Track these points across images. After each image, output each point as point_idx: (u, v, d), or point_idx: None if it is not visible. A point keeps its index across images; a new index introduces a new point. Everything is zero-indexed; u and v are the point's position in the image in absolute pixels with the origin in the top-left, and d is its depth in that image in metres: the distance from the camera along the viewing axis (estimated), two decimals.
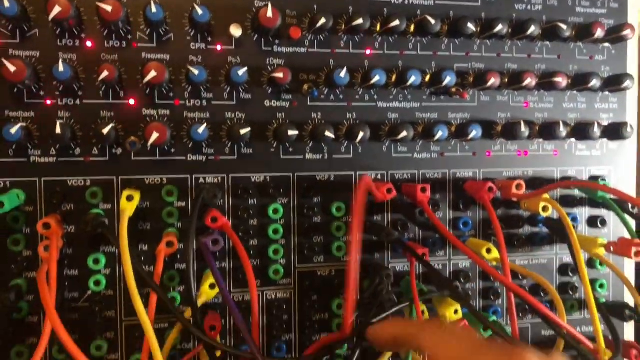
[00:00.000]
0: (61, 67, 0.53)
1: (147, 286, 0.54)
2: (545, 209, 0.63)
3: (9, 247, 0.57)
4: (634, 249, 0.61)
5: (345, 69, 0.60)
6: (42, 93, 0.57)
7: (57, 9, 0.53)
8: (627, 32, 0.67)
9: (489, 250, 0.62)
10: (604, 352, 0.57)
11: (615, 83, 0.68)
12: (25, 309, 0.57)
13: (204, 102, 0.61)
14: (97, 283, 0.58)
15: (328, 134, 0.60)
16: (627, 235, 0.66)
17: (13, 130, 0.53)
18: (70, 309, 0.58)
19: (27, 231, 0.57)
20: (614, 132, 0.69)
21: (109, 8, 0.54)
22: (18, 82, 0.53)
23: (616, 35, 0.68)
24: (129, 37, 0.59)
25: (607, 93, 0.72)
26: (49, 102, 0.57)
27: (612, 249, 0.64)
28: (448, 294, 0.59)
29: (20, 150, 0.57)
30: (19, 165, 0.57)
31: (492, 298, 0.69)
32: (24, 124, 0.55)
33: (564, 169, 0.71)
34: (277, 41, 0.62)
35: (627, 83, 0.67)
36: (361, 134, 0.61)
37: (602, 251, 0.65)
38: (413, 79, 0.62)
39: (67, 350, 0.46)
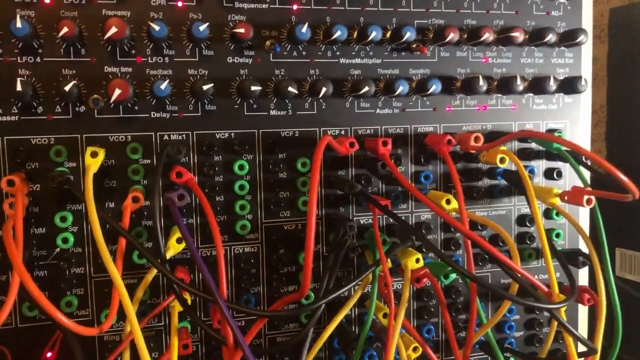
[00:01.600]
0: (19, 23, 0.53)
1: (115, 241, 0.55)
2: (502, 160, 0.66)
3: None
4: (585, 197, 0.63)
5: (306, 24, 0.61)
6: (0, 50, 0.56)
7: None
8: None
9: (448, 201, 0.64)
10: (557, 295, 0.60)
11: (570, 38, 0.70)
12: None
13: (166, 59, 0.61)
14: (65, 240, 0.59)
15: (291, 89, 0.61)
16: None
17: None
18: (38, 267, 0.59)
19: None
20: (570, 86, 0.71)
21: None
22: None
23: None
24: None
25: (562, 48, 0.74)
26: (7, 59, 0.56)
27: (566, 198, 0.66)
28: (412, 241, 0.61)
29: None
30: None
31: (452, 248, 0.71)
32: None
33: (522, 123, 0.73)
34: None
35: (581, 37, 0.69)
36: (324, 89, 0.62)
37: (557, 201, 0.68)
38: (374, 34, 0.63)
39: (37, 303, 0.46)
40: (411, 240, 0.63)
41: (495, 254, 0.57)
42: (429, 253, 0.69)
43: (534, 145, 0.73)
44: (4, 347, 0.59)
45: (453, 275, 0.65)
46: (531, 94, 0.73)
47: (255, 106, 0.64)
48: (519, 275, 0.58)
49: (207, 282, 0.50)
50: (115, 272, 0.49)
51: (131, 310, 0.48)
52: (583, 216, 0.76)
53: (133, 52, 0.60)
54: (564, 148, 0.68)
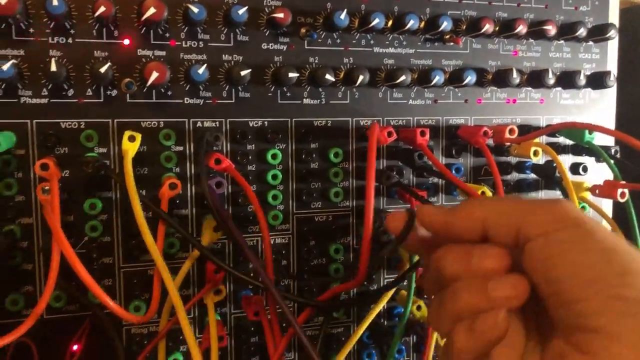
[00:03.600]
0: (55, 1, 0.51)
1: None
2: (536, 153, 0.65)
3: (1, 192, 0.54)
4: (619, 190, 0.63)
5: (345, 11, 0.60)
6: (31, 30, 0.54)
7: None
8: None
9: (483, 193, 0.63)
10: None
11: (599, 33, 0.70)
12: (19, 256, 0.55)
13: (201, 44, 0.59)
14: (94, 228, 0.56)
15: (328, 76, 0.60)
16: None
17: (5, 67, 0.50)
18: None
19: (19, 175, 0.55)
20: (598, 81, 0.71)
21: None
22: (9, 16, 0.50)
23: None
24: None
25: (590, 43, 0.74)
26: (39, 39, 0.54)
27: (597, 191, 0.66)
28: None
29: (9, 91, 0.54)
30: (9, 106, 0.54)
31: None
32: (15, 61, 0.52)
33: (549, 117, 0.73)
34: None
35: (611, 32, 0.70)
36: (360, 77, 0.61)
37: (587, 194, 0.68)
38: (411, 22, 0.62)
39: (83, 280, 0.45)
40: None
41: None
42: None
43: (561, 139, 0.73)
44: (28, 340, 0.56)
45: None
46: (559, 89, 0.73)
47: (288, 94, 0.63)
48: None
49: (257, 268, 0.49)
50: (160, 258, 0.47)
51: (177, 297, 0.47)
52: (606, 210, 0.76)
53: (167, 35, 0.58)
54: (594, 141, 0.68)
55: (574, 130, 0.70)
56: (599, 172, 0.74)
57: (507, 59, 0.70)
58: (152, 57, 0.58)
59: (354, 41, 0.64)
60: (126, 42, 0.57)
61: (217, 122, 0.60)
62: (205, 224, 0.57)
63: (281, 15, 0.58)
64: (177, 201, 0.59)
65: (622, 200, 0.64)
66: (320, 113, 0.64)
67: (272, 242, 0.63)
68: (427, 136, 0.61)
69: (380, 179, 0.62)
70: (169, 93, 0.59)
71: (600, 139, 0.73)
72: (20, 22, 0.53)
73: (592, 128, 0.60)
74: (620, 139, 0.56)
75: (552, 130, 0.65)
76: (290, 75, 0.59)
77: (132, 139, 0.52)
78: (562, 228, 0.32)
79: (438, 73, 0.63)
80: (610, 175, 0.68)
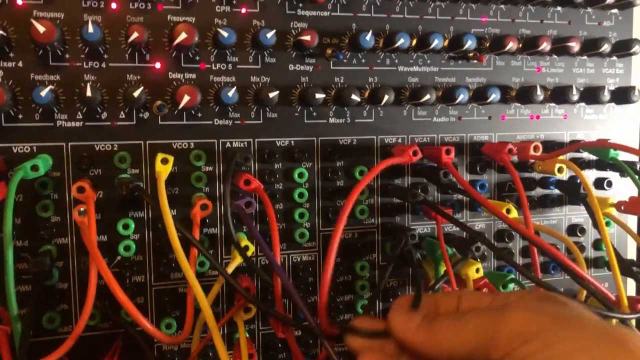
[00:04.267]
0: (91, 29, 0.52)
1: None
2: (560, 169, 0.66)
3: (38, 213, 0.56)
4: None
5: (370, 32, 0.61)
6: (67, 56, 0.56)
7: None
8: None
9: (508, 211, 0.64)
10: (626, 306, 0.59)
11: (623, 48, 0.70)
12: (56, 275, 0.56)
13: (230, 66, 0.60)
14: (127, 248, 0.58)
15: (354, 97, 0.61)
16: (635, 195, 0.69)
17: (43, 93, 0.52)
18: (99, 275, 0.58)
19: (55, 197, 0.56)
20: (621, 96, 0.71)
21: None
22: (47, 44, 0.52)
23: (625, 1, 0.70)
24: None
25: (614, 58, 0.74)
26: (74, 64, 0.56)
27: (622, 207, 0.66)
28: (472, 252, 0.61)
29: (46, 115, 0.56)
30: (45, 129, 0.56)
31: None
32: (53, 87, 0.53)
33: (572, 132, 0.73)
34: (300, 4, 0.62)
35: (635, 48, 0.70)
36: (386, 97, 0.62)
37: (612, 210, 0.68)
38: (436, 42, 0.62)
39: (119, 301, 0.46)
40: (471, 252, 0.62)
41: (565, 261, 0.56)
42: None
43: (585, 154, 0.73)
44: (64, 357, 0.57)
45: (512, 285, 0.65)
46: (583, 104, 0.73)
47: (314, 114, 0.64)
48: (589, 284, 0.58)
49: (289, 289, 0.50)
50: (194, 280, 0.48)
51: (212, 318, 0.48)
52: (631, 226, 0.76)
53: (197, 58, 0.59)
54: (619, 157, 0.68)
55: (597, 150, 0.70)
56: (624, 187, 0.74)
57: (530, 75, 0.71)
58: (183, 79, 0.59)
59: (378, 60, 0.65)
60: (157, 65, 0.58)
61: (246, 142, 0.62)
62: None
63: (308, 37, 0.59)
64: (207, 220, 0.61)
65: None
66: (345, 131, 0.65)
67: (298, 259, 0.64)
68: (453, 154, 0.62)
69: (406, 197, 0.63)
70: (199, 114, 0.60)
71: (625, 154, 0.74)
72: (57, 48, 0.54)
73: (620, 148, 0.60)
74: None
75: (579, 147, 0.65)
76: (317, 96, 0.60)
77: (165, 161, 0.53)
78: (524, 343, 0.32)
79: (462, 91, 0.64)
80: (635, 191, 0.68)
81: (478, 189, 0.69)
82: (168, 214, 0.49)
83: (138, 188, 0.53)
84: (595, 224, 0.65)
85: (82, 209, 0.51)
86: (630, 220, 0.77)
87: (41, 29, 0.51)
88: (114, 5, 0.56)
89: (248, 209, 0.57)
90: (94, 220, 0.50)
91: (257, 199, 0.61)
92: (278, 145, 0.63)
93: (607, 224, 0.74)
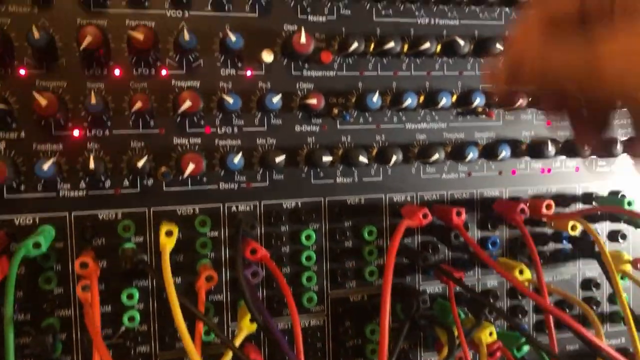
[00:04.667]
0: (93, 100, 0.52)
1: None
2: (573, 227, 0.64)
3: (40, 286, 0.54)
4: None
5: (377, 92, 0.60)
6: (70, 124, 0.55)
7: (88, 39, 0.51)
8: None
9: (521, 272, 0.62)
10: None
11: None
12: (59, 349, 0.55)
13: (235, 129, 0.60)
14: (132, 319, 0.56)
15: (362, 158, 0.60)
16: None
17: (45, 167, 0.51)
18: None
19: (58, 268, 0.55)
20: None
21: (140, 36, 0.52)
22: (49, 117, 0.51)
23: None
24: (158, 63, 0.57)
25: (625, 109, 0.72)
26: (77, 133, 0.55)
27: (639, 265, 0.64)
28: (485, 315, 0.60)
29: (49, 185, 0.55)
30: (48, 200, 0.55)
31: (519, 316, 0.69)
32: (56, 159, 0.52)
33: (585, 185, 0.72)
34: (306, 65, 0.61)
35: None
36: (394, 157, 0.61)
37: (628, 267, 0.66)
38: (444, 101, 0.61)
39: None
40: (484, 315, 0.61)
41: (581, 331, 0.54)
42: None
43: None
44: None
45: (526, 348, 0.63)
46: (594, 156, 0.72)
47: (321, 174, 0.63)
48: (606, 354, 0.56)
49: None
50: (196, 357, 0.46)
51: None
52: None
53: (202, 122, 0.58)
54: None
55: (612, 201, 0.69)
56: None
57: (540, 129, 0.70)
58: (188, 144, 0.58)
59: (385, 118, 0.64)
60: (162, 131, 0.57)
61: (252, 205, 0.61)
62: (240, 312, 0.57)
63: (314, 101, 0.58)
64: (212, 287, 0.59)
65: None
66: (353, 191, 0.64)
67: (307, 324, 0.63)
68: (464, 216, 0.60)
69: (417, 260, 0.61)
70: (204, 179, 0.59)
71: (637, 207, 0.72)
72: (59, 118, 0.54)
73: (630, 214, 0.59)
74: None
75: (592, 212, 0.64)
76: (324, 159, 0.59)
77: (169, 233, 0.52)
78: None
79: (472, 149, 0.63)
80: None
81: (490, 246, 0.68)
82: (172, 291, 0.48)
83: (142, 262, 0.52)
84: (611, 281, 0.63)
85: (85, 285, 0.50)
86: None
87: (43, 102, 0.50)
88: (117, 72, 0.56)
89: (254, 278, 0.55)
90: (97, 298, 0.49)
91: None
92: (285, 207, 0.62)
93: (623, 277, 0.73)
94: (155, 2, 0.57)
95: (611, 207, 0.67)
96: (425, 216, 0.59)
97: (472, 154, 0.63)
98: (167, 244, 0.52)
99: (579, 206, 0.72)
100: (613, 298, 0.74)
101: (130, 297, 0.56)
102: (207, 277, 0.54)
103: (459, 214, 0.60)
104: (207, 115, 0.59)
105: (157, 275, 0.52)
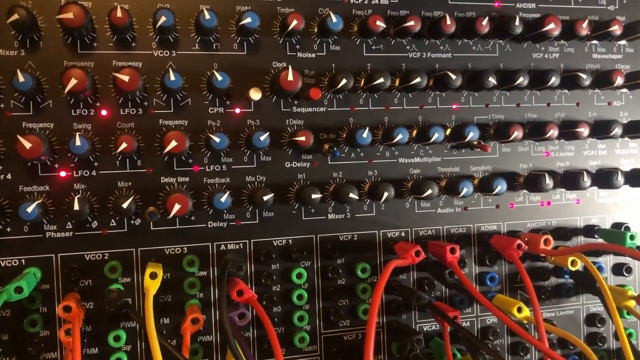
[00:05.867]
0: (78, 142, 0.51)
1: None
2: (573, 263, 0.62)
3: (26, 329, 0.54)
4: None
5: (367, 129, 0.59)
6: (56, 165, 0.55)
7: (73, 82, 0.51)
8: None
9: (519, 309, 0.60)
10: None
11: (635, 130, 0.67)
12: None
13: (224, 167, 0.59)
14: None
15: (352, 195, 0.59)
16: None
17: (29, 209, 0.50)
18: None
19: (44, 310, 0.55)
20: (636, 178, 0.67)
21: (126, 78, 0.52)
22: (34, 159, 0.51)
23: (635, 82, 0.67)
24: (145, 103, 0.57)
25: (627, 139, 0.71)
26: (63, 174, 0.55)
27: None
28: (483, 356, 0.57)
29: (35, 227, 0.54)
30: (34, 241, 0.55)
31: (521, 354, 0.67)
32: (40, 201, 0.52)
33: (586, 217, 0.70)
34: (296, 101, 0.61)
35: None
36: (385, 194, 0.59)
37: (632, 303, 0.64)
38: (436, 136, 0.60)
39: None
40: (482, 356, 0.59)
41: None
42: None
43: (601, 240, 0.70)
44: None
45: None
46: (596, 187, 0.70)
47: (313, 210, 0.62)
48: None
49: None
50: None
51: None
52: None
53: (190, 161, 0.58)
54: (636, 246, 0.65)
55: (614, 234, 0.67)
56: None
57: (538, 161, 0.68)
58: (175, 183, 0.58)
59: (378, 153, 0.63)
60: (149, 170, 0.57)
61: (241, 244, 0.60)
62: (228, 353, 0.56)
63: (303, 138, 0.57)
64: (201, 328, 0.58)
65: None
66: (345, 227, 0.63)
67: None
68: (458, 253, 0.59)
69: (410, 300, 0.60)
70: (193, 218, 0.58)
71: None
72: (46, 160, 0.54)
73: (630, 254, 0.57)
74: None
75: (591, 249, 0.62)
76: (314, 196, 0.58)
77: (153, 275, 0.51)
78: None
79: (466, 184, 0.61)
80: None
81: (488, 282, 0.66)
82: (153, 335, 0.47)
83: (126, 305, 0.51)
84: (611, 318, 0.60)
85: (67, 329, 0.49)
86: None
87: (27, 145, 0.50)
88: (104, 113, 0.56)
89: (242, 320, 0.54)
90: (79, 343, 0.48)
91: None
92: (275, 244, 0.61)
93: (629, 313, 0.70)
94: (143, 43, 0.57)
95: (608, 245, 0.65)
96: (417, 254, 0.58)
97: (467, 189, 0.61)
98: (151, 286, 0.51)
99: (581, 239, 0.70)
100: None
101: (117, 339, 0.55)
102: (193, 320, 0.53)
103: (452, 251, 0.59)
104: (195, 154, 0.58)
105: (139, 319, 0.51)
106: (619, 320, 0.57)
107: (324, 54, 0.61)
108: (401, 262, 0.56)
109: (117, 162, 0.56)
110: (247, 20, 0.56)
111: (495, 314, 0.55)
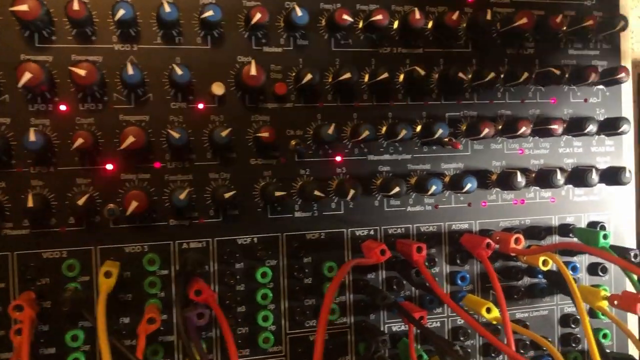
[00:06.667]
0: (32, 137, 0.50)
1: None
2: (545, 262, 0.61)
3: None
4: (639, 304, 0.58)
5: (333, 125, 0.58)
6: (13, 162, 0.54)
7: (27, 76, 0.50)
8: (621, 75, 0.65)
9: (488, 310, 0.59)
10: None
11: (611, 127, 0.66)
12: None
13: (186, 164, 0.58)
14: None
15: (317, 193, 0.57)
16: (629, 284, 0.64)
17: None
18: None
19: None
20: (612, 177, 0.66)
21: (82, 72, 0.51)
22: None
23: (611, 78, 0.66)
24: (105, 98, 0.56)
25: (603, 136, 0.69)
26: (20, 170, 0.54)
27: (615, 302, 0.61)
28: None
29: None
30: None
31: (492, 355, 0.66)
32: None
33: (562, 216, 0.69)
34: (261, 97, 0.59)
35: (623, 127, 0.65)
36: (352, 192, 0.58)
37: (605, 304, 0.63)
38: (404, 132, 0.59)
39: None
40: (449, 356, 0.57)
41: None
42: None
43: (576, 239, 0.68)
44: None
45: None
46: (571, 186, 0.68)
47: (279, 208, 0.60)
48: None
49: None
50: None
51: None
52: (632, 319, 0.71)
53: (151, 157, 0.57)
54: (609, 245, 0.64)
55: (588, 233, 0.65)
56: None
57: (512, 159, 0.67)
58: (136, 180, 0.56)
59: (346, 150, 0.62)
60: (109, 167, 0.56)
61: (204, 243, 0.59)
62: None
63: (266, 134, 0.56)
64: (162, 328, 0.57)
65: None
66: (313, 226, 0.62)
67: None
68: (424, 252, 0.58)
69: (375, 299, 0.59)
70: (154, 215, 0.57)
71: (618, 239, 0.69)
72: (1, 155, 0.52)
73: (596, 254, 0.55)
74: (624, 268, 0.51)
75: (557, 248, 0.61)
76: (277, 194, 0.57)
77: (108, 274, 0.50)
78: None
79: (435, 182, 0.60)
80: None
81: (459, 281, 0.65)
82: (103, 336, 0.46)
83: (79, 304, 0.50)
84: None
85: (18, 329, 0.48)
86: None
87: None
88: (63, 108, 0.55)
89: (201, 319, 0.53)
90: (27, 346, 0.47)
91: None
92: (239, 243, 0.60)
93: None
94: (103, 37, 0.55)
95: (576, 245, 0.63)
96: (383, 252, 0.57)
97: (436, 187, 0.60)
98: (105, 285, 0.50)
99: (556, 238, 0.69)
100: (595, 335, 0.70)
101: (74, 338, 0.54)
102: (149, 320, 0.52)
103: (419, 249, 0.58)
104: (157, 150, 0.57)
105: (92, 318, 0.50)
106: (587, 321, 0.56)
107: (291, 48, 0.60)
108: (363, 261, 0.55)
109: (76, 158, 0.55)
110: (209, 13, 0.55)
111: (460, 315, 0.54)
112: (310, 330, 0.61)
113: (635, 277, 0.61)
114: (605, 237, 0.63)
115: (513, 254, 0.62)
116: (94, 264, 0.56)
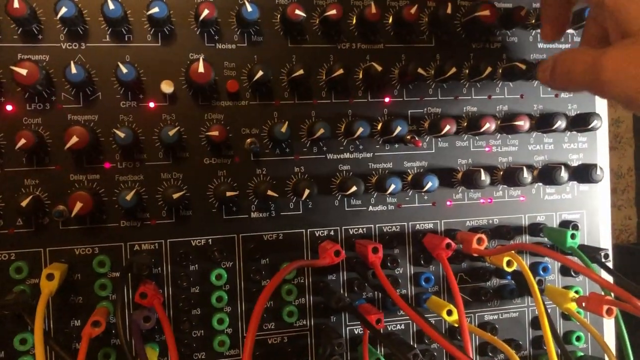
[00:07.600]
0: None
1: None
2: (509, 263, 0.59)
3: None
4: (605, 307, 0.56)
5: (286, 123, 0.56)
6: None
7: None
8: None
9: (449, 312, 0.57)
10: None
11: (582, 123, 0.64)
12: None
13: (137, 164, 0.57)
14: None
15: (270, 193, 0.56)
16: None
17: None
18: None
19: None
20: (584, 175, 0.64)
21: (23, 72, 0.50)
22: None
23: None
24: (53, 98, 0.55)
25: (575, 132, 0.67)
26: None
27: (583, 304, 0.59)
28: None
29: None
30: None
31: (489, 354, 0.64)
32: None
33: (532, 215, 0.67)
34: (215, 95, 0.58)
35: (594, 123, 0.63)
36: (307, 192, 0.57)
37: (574, 306, 0.61)
38: (361, 130, 0.57)
39: None
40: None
41: None
42: None
43: (546, 240, 0.66)
44: None
45: None
46: (541, 184, 0.66)
47: (234, 209, 0.59)
48: None
49: None
50: None
51: None
52: (609, 322, 0.68)
53: (101, 157, 0.56)
54: (577, 245, 0.62)
55: (557, 233, 0.63)
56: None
57: (479, 156, 0.65)
58: (85, 181, 0.56)
59: (304, 149, 0.61)
60: (58, 168, 0.55)
61: (157, 244, 0.57)
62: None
63: (216, 133, 0.55)
64: (113, 331, 0.56)
65: (608, 319, 0.56)
66: (270, 226, 0.60)
67: None
68: (380, 253, 0.56)
69: (330, 302, 0.57)
70: (104, 216, 0.56)
71: (593, 238, 0.67)
72: None
73: (554, 257, 0.53)
74: (591, 278, 0.49)
75: (518, 249, 0.59)
76: (229, 194, 0.55)
77: (50, 277, 0.49)
78: None
79: (394, 181, 0.58)
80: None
81: (423, 283, 0.63)
82: (39, 339, 0.45)
83: (20, 308, 0.49)
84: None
85: None
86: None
87: None
88: (9, 108, 0.54)
89: (147, 323, 0.52)
90: None
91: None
92: (193, 244, 0.58)
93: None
94: (50, 35, 0.54)
95: (532, 245, 0.62)
96: (337, 253, 0.55)
97: (395, 186, 0.58)
98: (47, 287, 0.49)
99: (526, 238, 0.67)
100: (568, 337, 0.68)
101: (23, 341, 0.53)
102: (94, 323, 0.51)
103: (375, 250, 0.56)
104: (106, 150, 0.56)
105: (31, 321, 0.49)
106: (546, 323, 0.54)
107: (245, 45, 0.59)
108: (319, 262, 0.54)
109: (24, 159, 0.54)
110: (155, 10, 0.53)
111: (412, 319, 0.52)
112: (268, 332, 0.60)
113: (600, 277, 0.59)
114: (573, 236, 0.61)
115: (475, 255, 0.61)
116: (43, 266, 0.55)
